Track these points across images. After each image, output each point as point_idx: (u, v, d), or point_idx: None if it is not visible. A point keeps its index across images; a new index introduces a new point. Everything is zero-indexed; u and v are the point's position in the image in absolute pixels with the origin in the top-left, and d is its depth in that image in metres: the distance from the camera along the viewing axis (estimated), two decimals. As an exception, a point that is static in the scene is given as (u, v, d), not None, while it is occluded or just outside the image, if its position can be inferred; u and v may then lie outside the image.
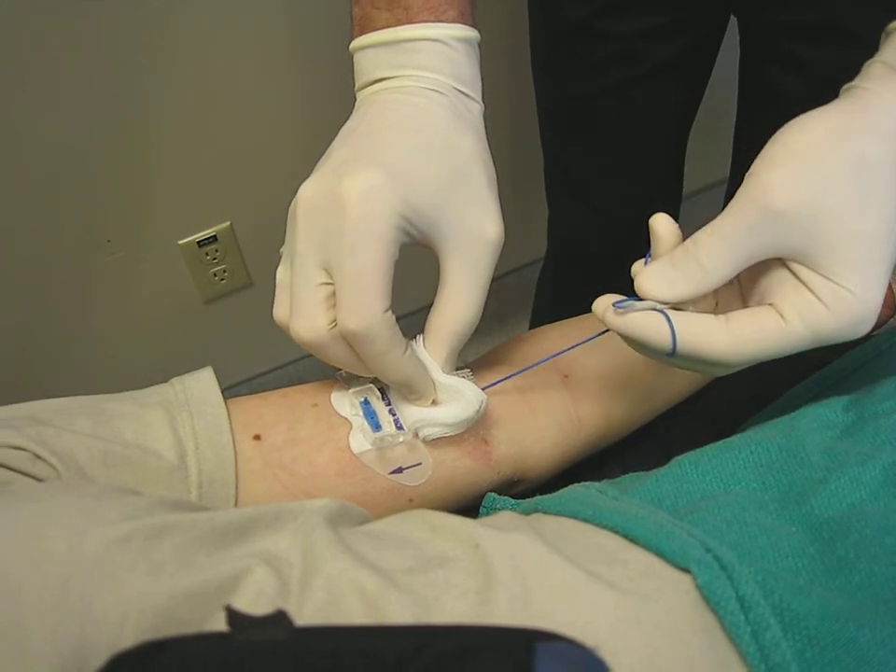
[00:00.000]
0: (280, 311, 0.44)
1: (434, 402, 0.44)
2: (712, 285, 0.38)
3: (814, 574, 0.34)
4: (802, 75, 0.72)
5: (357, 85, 0.47)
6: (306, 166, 0.44)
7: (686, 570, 0.33)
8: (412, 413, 0.44)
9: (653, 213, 0.42)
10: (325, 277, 0.41)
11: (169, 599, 0.28)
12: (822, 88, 0.72)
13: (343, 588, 0.30)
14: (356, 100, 0.48)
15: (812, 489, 0.38)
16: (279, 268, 0.45)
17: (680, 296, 0.39)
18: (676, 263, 0.39)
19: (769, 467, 0.40)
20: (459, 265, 0.43)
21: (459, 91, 0.45)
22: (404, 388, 0.44)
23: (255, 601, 0.29)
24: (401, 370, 0.42)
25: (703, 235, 0.38)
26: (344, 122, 0.46)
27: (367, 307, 0.39)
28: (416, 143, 0.42)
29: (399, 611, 0.29)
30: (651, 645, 0.29)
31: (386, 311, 0.40)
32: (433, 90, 0.44)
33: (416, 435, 0.45)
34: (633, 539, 0.35)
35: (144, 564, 0.29)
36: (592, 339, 0.46)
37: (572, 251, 1.02)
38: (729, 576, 0.31)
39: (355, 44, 0.47)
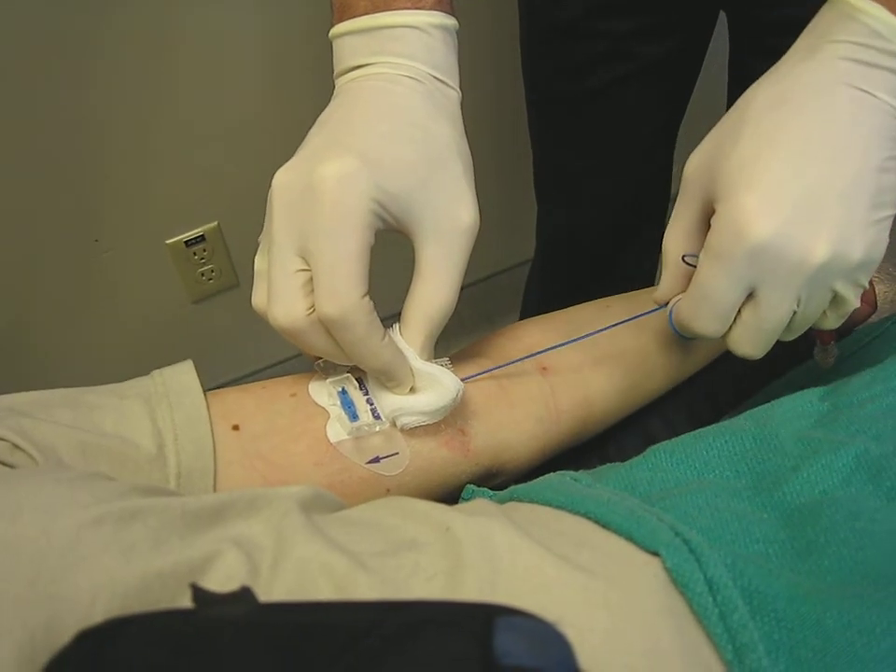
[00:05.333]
0: (258, 298, 0.44)
1: (412, 390, 0.44)
2: None
3: (784, 559, 0.34)
4: None
5: (335, 72, 0.48)
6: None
7: (656, 554, 0.33)
8: (389, 402, 0.44)
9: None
10: (302, 264, 0.41)
11: (140, 580, 0.28)
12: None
13: (312, 570, 0.30)
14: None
15: (784, 476, 0.38)
16: (257, 256, 0.45)
17: None
18: None
19: (743, 455, 0.41)
20: (434, 252, 0.43)
21: (436, 78, 0.46)
22: (382, 375, 0.44)
23: (225, 583, 0.29)
24: (379, 356, 0.42)
25: None
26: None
27: (344, 292, 0.40)
28: (391, 130, 0.43)
29: (367, 593, 0.29)
30: (618, 626, 0.30)
31: (364, 296, 0.40)
32: (409, 77, 0.45)
33: (394, 424, 0.45)
34: (605, 525, 0.35)
35: (115, 546, 0.29)
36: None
37: (561, 250, 1.02)
38: (697, 559, 0.32)
39: (333, 31, 0.47)
